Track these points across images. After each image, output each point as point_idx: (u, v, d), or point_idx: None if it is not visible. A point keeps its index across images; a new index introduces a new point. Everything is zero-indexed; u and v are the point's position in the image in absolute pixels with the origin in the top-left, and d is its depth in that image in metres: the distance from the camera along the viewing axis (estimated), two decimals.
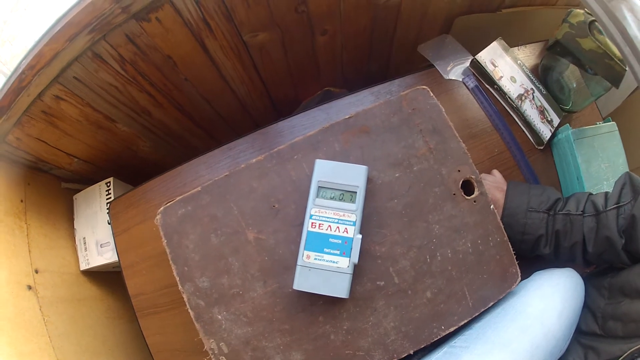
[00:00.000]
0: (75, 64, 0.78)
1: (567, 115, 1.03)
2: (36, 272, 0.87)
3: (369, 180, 0.68)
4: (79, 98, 0.86)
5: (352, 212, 0.64)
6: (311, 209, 0.64)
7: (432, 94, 0.72)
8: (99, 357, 0.95)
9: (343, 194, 0.65)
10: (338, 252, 0.62)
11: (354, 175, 0.66)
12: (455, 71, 0.98)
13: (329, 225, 0.63)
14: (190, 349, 0.83)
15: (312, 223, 0.64)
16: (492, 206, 0.70)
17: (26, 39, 0.77)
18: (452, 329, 0.66)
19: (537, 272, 0.74)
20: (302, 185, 0.69)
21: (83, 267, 0.98)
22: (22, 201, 0.90)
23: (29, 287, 0.85)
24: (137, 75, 0.89)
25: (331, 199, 0.65)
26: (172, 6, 0.78)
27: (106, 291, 1.05)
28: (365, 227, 0.66)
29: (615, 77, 0.89)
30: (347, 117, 0.71)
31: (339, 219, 0.64)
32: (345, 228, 0.63)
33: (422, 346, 0.65)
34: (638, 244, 0.64)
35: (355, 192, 0.65)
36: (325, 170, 0.66)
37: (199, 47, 0.90)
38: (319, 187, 0.66)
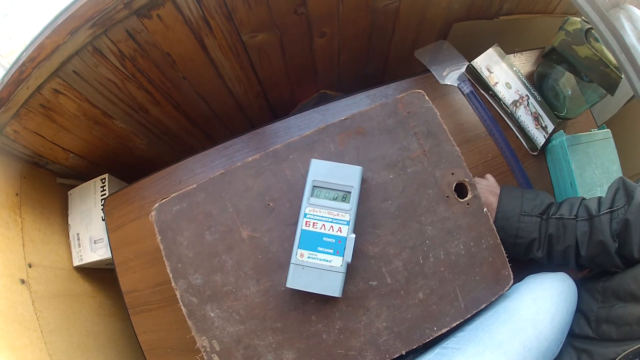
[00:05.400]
0: (76, 58, 0.79)
1: (561, 122, 1.04)
2: (29, 266, 0.87)
3: (364, 181, 0.68)
4: (77, 92, 0.86)
5: (346, 212, 0.64)
6: (306, 208, 0.65)
7: (427, 98, 0.73)
8: (90, 353, 0.95)
9: (337, 194, 0.65)
10: (332, 251, 0.63)
11: (349, 175, 0.66)
12: (451, 76, 0.99)
13: (323, 224, 0.64)
14: (182, 346, 0.83)
15: (307, 222, 0.64)
16: (485, 209, 0.70)
17: (25, 33, 0.77)
18: (444, 330, 0.66)
19: (530, 275, 0.75)
20: (297, 185, 0.69)
21: (76, 263, 0.98)
22: (17, 195, 0.90)
23: (22, 281, 0.84)
24: (136, 72, 0.90)
25: (326, 198, 0.65)
26: (174, 4, 0.78)
27: (98, 288, 1.05)
28: (359, 227, 0.67)
29: (610, 85, 0.90)
30: (343, 118, 0.72)
31: (333, 219, 0.64)
32: (339, 227, 0.63)
33: (414, 347, 0.66)
34: (632, 247, 0.65)
35: (350, 192, 0.65)
36: (320, 170, 0.67)
37: (198, 45, 0.91)
38: (314, 187, 0.66)
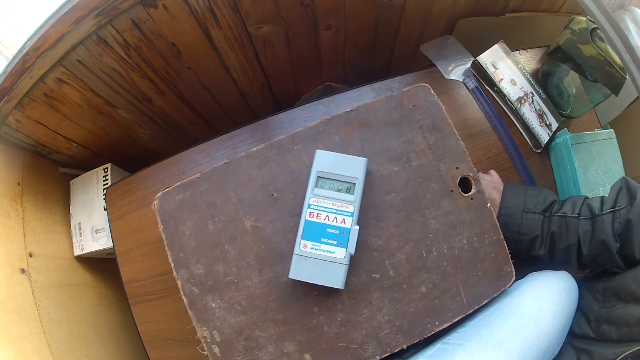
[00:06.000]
0: (80, 47, 0.78)
1: (565, 121, 1.04)
2: (30, 255, 0.87)
3: (368, 173, 0.68)
4: (81, 82, 0.86)
5: (350, 203, 0.64)
6: (310, 199, 0.65)
7: (433, 92, 0.73)
8: (90, 344, 0.95)
9: (342, 185, 0.65)
10: (335, 242, 0.62)
11: (354, 167, 0.66)
12: (457, 71, 0.98)
13: (327, 215, 0.63)
14: (182, 337, 0.82)
15: (310, 212, 0.64)
16: (488, 204, 0.70)
17: (28, 25, 0.77)
18: (445, 325, 0.66)
19: (532, 273, 0.75)
20: (301, 176, 0.69)
21: (77, 252, 0.98)
22: (19, 184, 0.90)
23: (23, 271, 0.84)
24: (141, 62, 0.89)
25: (330, 189, 0.65)
26: None
27: (99, 278, 1.05)
28: (362, 219, 0.66)
29: (615, 85, 0.90)
30: (348, 110, 0.71)
31: (337, 210, 0.64)
32: (343, 219, 0.63)
33: (416, 341, 0.66)
34: (633, 248, 0.65)
35: (354, 184, 0.65)
36: (325, 161, 0.66)
37: (203, 36, 0.90)
38: (318, 177, 0.66)
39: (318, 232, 0.63)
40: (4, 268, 0.81)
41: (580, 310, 0.72)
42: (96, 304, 1.02)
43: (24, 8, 0.85)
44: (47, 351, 0.83)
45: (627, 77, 0.88)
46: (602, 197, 0.73)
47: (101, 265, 1.06)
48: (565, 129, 0.98)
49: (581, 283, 0.75)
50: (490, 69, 0.97)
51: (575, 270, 0.79)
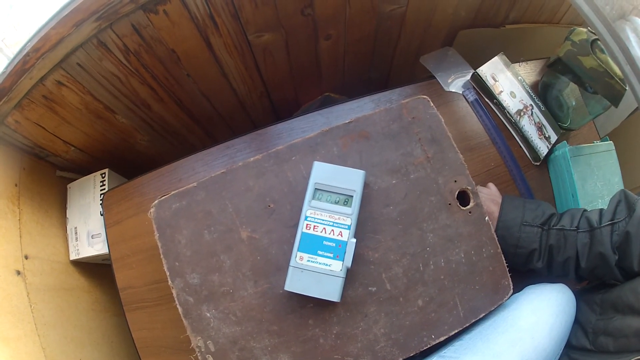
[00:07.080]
0: (80, 51, 0.78)
1: (564, 133, 1.04)
2: (26, 258, 0.87)
3: (366, 185, 0.68)
4: (80, 85, 0.85)
5: (347, 216, 0.64)
6: (307, 211, 0.64)
7: (432, 104, 0.73)
8: (84, 348, 0.94)
9: (339, 197, 0.65)
10: (331, 255, 0.62)
11: (351, 179, 0.65)
12: (456, 84, 0.98)
13: (324, 228, 0.63)
14: (176, 346, 0.82)
15: (307, 224, 0.64)
16: (486, 218, 0.70)
17: (31, 24, 0.77)
18: (442, 339, 0.66)
19: (530, 286, 0.75)
20: (298, 187, 0.68)
21: (73, 257, 0.97)
22: (16, 185, 0.89)
23: (18, 273, 0.84)
24: (140, 67, 0.89)
25: (327, 201, 0.65)
26: (181, 0, 0.78)
27: (94, 283, 1.04)
28: (359, 232, 0.66)
29: (615, 96, 0.90)
30: (347, 121, 0.71)
31: (334, 222, 0.63)
32: (340, 231, 0.63)
33: (412, 354, 0.65)
34: (631, 260, 0.65)
35: (352, 196, 0.65)
36: (322, 173, 0.66)
37: (203, 43, 0.90)
38: (316, 189, 0.65)
39: (314, 245, 0.63)
40: (0, 269, 0.80)
41: (578, 323, 0.72)
42: (91, 308, 1.02)
43: (26, 7, 0.85)
44: (42, 354, 0.82)
45: (626, 88, 0.88)
46: (601, 210, 0.73)
47: (96, 270, 1.05)
48: (564, 141, 0.98)
49: (579, 295, 0.74)
50: (489, 81, 0.97)
51: (572, 283, 0.78)
